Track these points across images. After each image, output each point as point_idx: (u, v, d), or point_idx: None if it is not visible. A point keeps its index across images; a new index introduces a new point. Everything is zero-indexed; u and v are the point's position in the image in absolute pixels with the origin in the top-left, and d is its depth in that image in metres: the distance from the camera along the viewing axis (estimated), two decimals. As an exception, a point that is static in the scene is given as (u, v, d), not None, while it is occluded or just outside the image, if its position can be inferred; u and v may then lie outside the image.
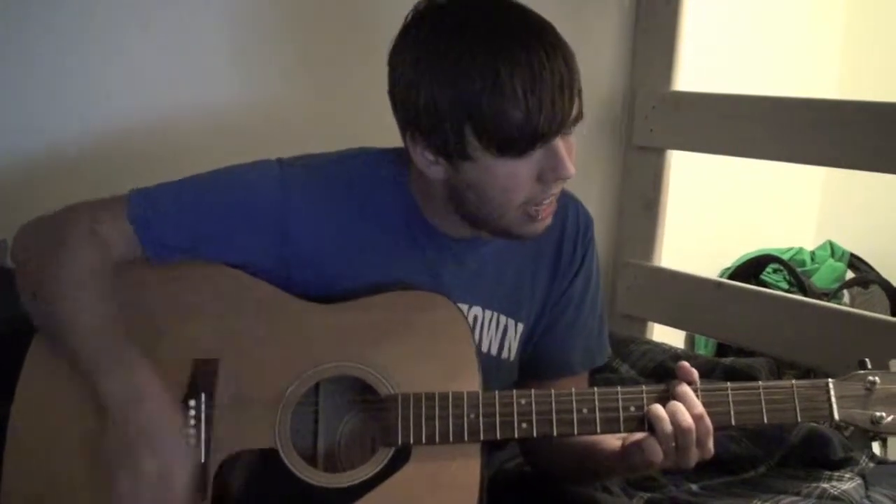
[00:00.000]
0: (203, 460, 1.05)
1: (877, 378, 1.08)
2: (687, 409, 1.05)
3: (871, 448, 1.66)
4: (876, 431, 1.08)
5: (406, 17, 1.07)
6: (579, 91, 1.03)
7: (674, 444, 1.04)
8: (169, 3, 1.60)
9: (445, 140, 1.03)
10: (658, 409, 1.05)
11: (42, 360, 1.08)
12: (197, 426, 1.05)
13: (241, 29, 1.70)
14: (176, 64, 1.62)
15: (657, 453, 1.04)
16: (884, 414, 1.07)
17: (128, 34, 1.56)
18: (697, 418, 1.04)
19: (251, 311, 1.11)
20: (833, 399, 1.08)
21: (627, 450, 1.09)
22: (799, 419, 1.08)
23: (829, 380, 1.09)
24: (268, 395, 1.07)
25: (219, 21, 1.67)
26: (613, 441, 1.14)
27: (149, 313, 1.09)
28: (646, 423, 1.06)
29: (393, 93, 1.07)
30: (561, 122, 1.01)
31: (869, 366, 1.10)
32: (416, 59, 1.03)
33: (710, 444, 1.06)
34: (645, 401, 1.07)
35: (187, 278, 1.12)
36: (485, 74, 0.98)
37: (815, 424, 1.58)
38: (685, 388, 1.07)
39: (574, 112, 1.03)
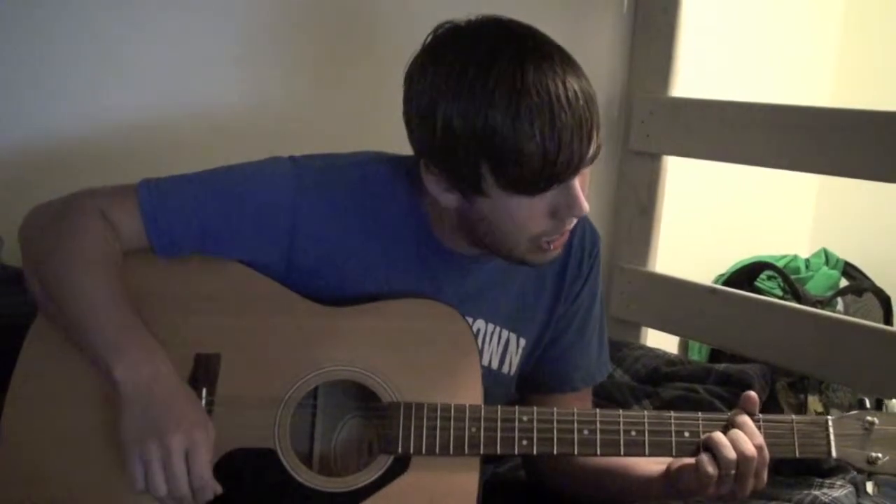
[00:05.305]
0: None
1: (875, 419, 1.10)
2: (748, 437, 1.06)
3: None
4: (871, 471, 1.10)
5: (425, 40, 1.04)
6: (598, 127, 1.02)
7: (734, 472, 1.05)
8: (172, 3, 1.59)
9: (460, 174, 1.02)
10: (720, 435, 1.06)
11: (39, 352, 1.07)
12: None
13: (244, 30, 1.69)
14: (178, 64, 1.62)
15: (711, 476, 1.04)
16: (880, 455, 1.09)
17: (129, 33, 1.55)
18: (758, 448, 1.06)
19: (256, 309, 1.11)
20: (832, 436, 1.09)
21: (676, 473, 1.10)
22: (798, 454, 1.09)
23: (829, 417, 1.10)
24: (268, 395, 1.06)
25: (221, 22, 1.66)
26: (648, 465, 1.14)
27: (151, 306, 1.08)
28: (700, 448, 1.07)
29: (409, 118, 1.05)
30: (578, 164, 1.00)
31: (867, 405, 1.12)
32: (434, 91, 1.00)
33: (765, 474, 1.07)
34: (701, 427, 1.08)
35: (192, 272, 1.11)
36: (504, 115, 0.96)
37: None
38: (746, 418, 1.08)
39: (591, 150, 1.02)
